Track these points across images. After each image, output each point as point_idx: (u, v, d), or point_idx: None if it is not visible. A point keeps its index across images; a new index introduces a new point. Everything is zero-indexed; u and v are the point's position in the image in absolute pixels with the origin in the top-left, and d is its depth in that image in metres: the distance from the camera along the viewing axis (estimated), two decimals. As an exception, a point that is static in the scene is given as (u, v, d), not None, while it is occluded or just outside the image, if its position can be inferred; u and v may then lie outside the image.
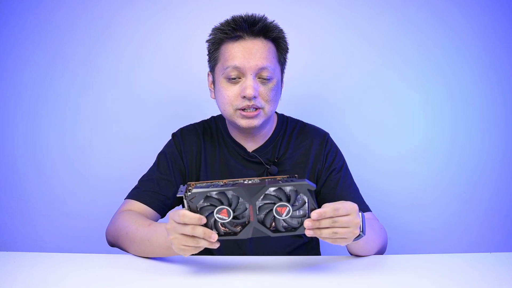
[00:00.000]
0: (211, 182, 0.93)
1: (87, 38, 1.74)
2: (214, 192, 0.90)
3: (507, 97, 1.74)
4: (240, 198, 0.90)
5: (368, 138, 1.75)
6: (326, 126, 1.36)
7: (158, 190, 1.23)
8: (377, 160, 1.75)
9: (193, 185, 0.91)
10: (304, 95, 1.75)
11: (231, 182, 0.92)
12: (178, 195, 0.91)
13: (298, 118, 1.37)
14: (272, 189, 0.89)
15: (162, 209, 1.24)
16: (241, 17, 1.19)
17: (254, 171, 1.27)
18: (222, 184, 0.92)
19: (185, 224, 0.90)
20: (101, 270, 1.02)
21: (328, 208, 0.89)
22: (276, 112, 1.35)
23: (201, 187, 0.90)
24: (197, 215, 0.90)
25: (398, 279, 0.97)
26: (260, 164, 1.27)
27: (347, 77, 1.74)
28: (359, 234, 0.96)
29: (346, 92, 1.75)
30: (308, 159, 1.27)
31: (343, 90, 1.75)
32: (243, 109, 1.17)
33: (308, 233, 0.90)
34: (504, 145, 1.75)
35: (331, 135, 1.34)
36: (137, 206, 1.20)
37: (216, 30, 1.20)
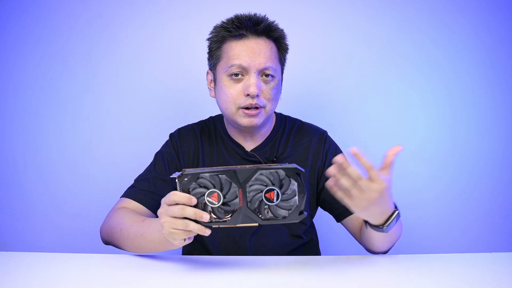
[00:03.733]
0: (203, 168, 0.94)
1: (87, 38, 1.74)
2: (207, 174, 0.90)
3: (507, 97, 1.74)
4: (233, 184, 0.90)
5: (368, 138, 1.75)
6: (325, 126, 1.36)
7: (154, 189, 1.23)
8: (376, 160, 1.74)
9: (186, 170, 0.92)
10: (304, 94, 1.75)
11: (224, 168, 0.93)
12: (171, 177, 0.92)
13: (296, 117, 1.37)
14: (261, 172, 0.90)
15: (157, 209, 1.21)
16: (245, 16, 1.19)
17: None
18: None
19: (175, 204, 0.90)
20: (101, 270, 1.02)
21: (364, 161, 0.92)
22: (274, 111, 1.35)
23: (193, 170, 0.91)
24: (187, 195, 0.90)
25: (398, 279, 0.97)
26: (259, 163, 1.26)
27: (347, 77, 1.74)
28: (393, 213, 1.00)
29: (346, 92, 1.75)
30: (307, 157, 1.27)
31: (343, 90, 1.75)
32: (246, 108, 1.17)
33: (331, 171, 0.91)
34: (504, 145, 1.75)
35: (330, 134, 1.34)
36: (132, 204, 1.20)
37: (219, 28, 1.20)
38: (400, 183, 1.75)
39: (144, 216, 1.19)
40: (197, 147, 1.29)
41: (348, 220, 1.24)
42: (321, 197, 1.28)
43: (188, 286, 0.93)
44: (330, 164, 1.26)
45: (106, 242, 1.19)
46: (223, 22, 1.21)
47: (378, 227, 1.03)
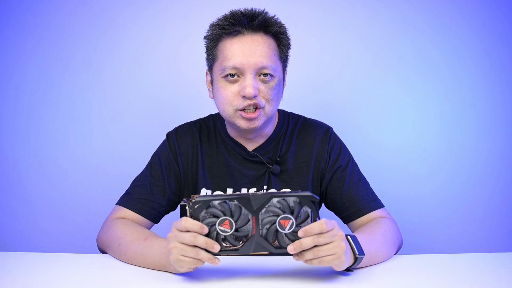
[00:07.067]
0: (214, 195, 0.91)
1: (87, 38, 1.74)
2: (217, 201, 0.88)
3: (507, 97, 1.74)
4: (243, 209, 0.88)
5: (367, 138, 1.75)
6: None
7: (151, 197, 1.19)
8: (375, 161, 1.75)
9: (196, 197, 0.90)
10: (303, 95, 1.75)
11: (236, 195, 0.91)
12: (181, 204, 0.89)
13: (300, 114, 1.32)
14: (275, 200, 0.88)
15: (155, 217, 1.21)
16: (240, 11, 1.13)
17: (255, 171, 1.22)
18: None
19: (186, 231, 0.87)
20: (101, 271, 1.02)
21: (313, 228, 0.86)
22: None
23: (204, 197, 0.89)
24: (199, 223, 0.87)
25: (397, 279, 0.97)
26: (261, 164, 1.22)
27: (345, 77, 1.75)
28: (356, 258, 0.94)
29: (345, 93, 1.75)
30: (311, 157, 1.22)
31: (342, 91, 1.75)
32: (243, 110, 1.12)
33: (294, 257, 0.89)
34: (504, 145, 1.75)
35: None
36: (130, 215, 1.17)
37: (214, 26, 1.15)
38: (400, 183, 1.76)
39: (143, 225, 1.16)
40: (196, 148, 1.24)
41: (355, 223, 1.20)
42: (326, 198, 1.25)
43: (188, 286, 0.93)
44: (334, 163, 1.22)
45: (102, 252, 1.16)
46: (218, 19, 1.16)
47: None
